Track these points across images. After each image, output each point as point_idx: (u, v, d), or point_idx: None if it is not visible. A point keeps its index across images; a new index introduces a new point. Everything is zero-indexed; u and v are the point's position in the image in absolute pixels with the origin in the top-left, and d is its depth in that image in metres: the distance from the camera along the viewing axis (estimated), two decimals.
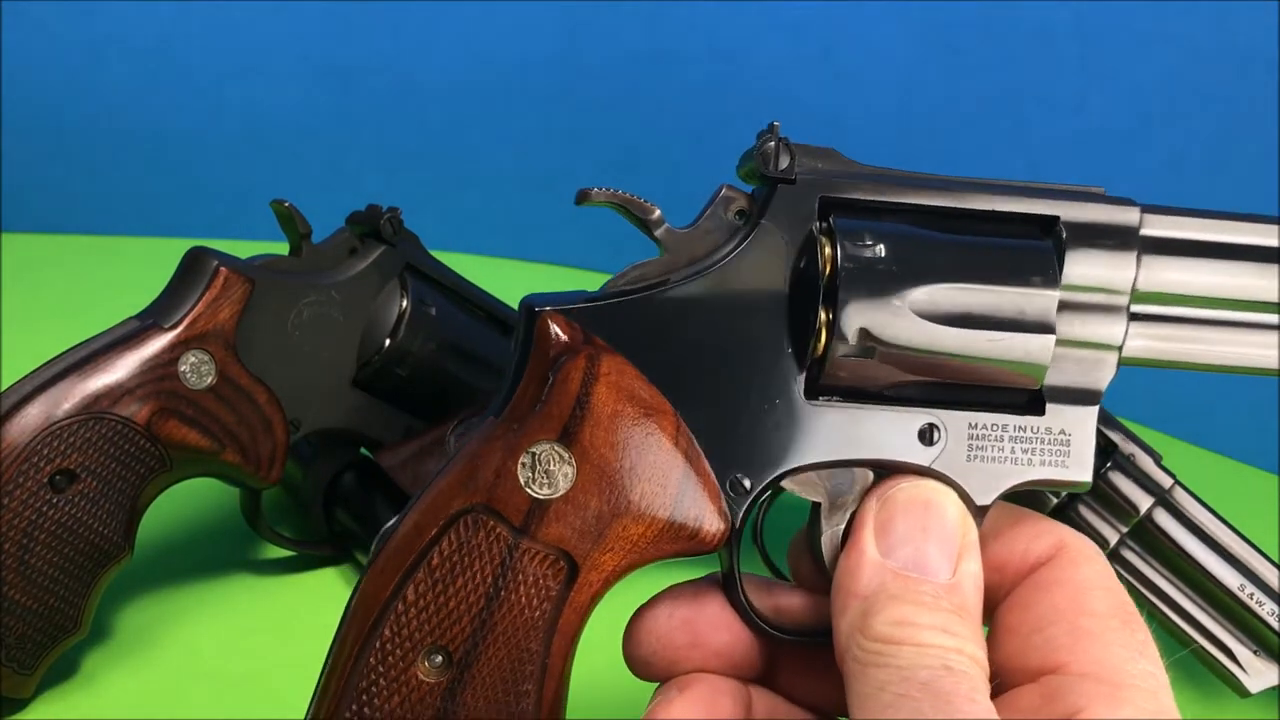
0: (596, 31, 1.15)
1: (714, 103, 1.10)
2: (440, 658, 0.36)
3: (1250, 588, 0.63)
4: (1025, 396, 0.39)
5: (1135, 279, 0.40)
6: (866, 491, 0.39)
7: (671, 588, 0.41)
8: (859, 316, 0.37)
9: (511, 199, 1.22)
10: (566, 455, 0.37)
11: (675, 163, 1.14)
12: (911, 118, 1.07)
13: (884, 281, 0.37)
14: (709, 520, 0.38)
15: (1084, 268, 0.39)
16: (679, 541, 0.37)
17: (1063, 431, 0.39)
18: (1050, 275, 0.38)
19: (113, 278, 1.11)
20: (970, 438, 0.39)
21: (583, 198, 0.40)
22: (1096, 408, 0.40)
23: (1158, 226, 0.40)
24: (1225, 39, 0.94)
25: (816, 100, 1.12)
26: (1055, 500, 0.62)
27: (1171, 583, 0.64)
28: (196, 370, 0.59)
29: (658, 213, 0.40)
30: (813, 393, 0.38)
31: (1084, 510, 0.63)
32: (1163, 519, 0.63)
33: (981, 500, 0.39)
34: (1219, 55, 0.95)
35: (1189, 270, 0.41)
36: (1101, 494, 0.63)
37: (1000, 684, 0.36)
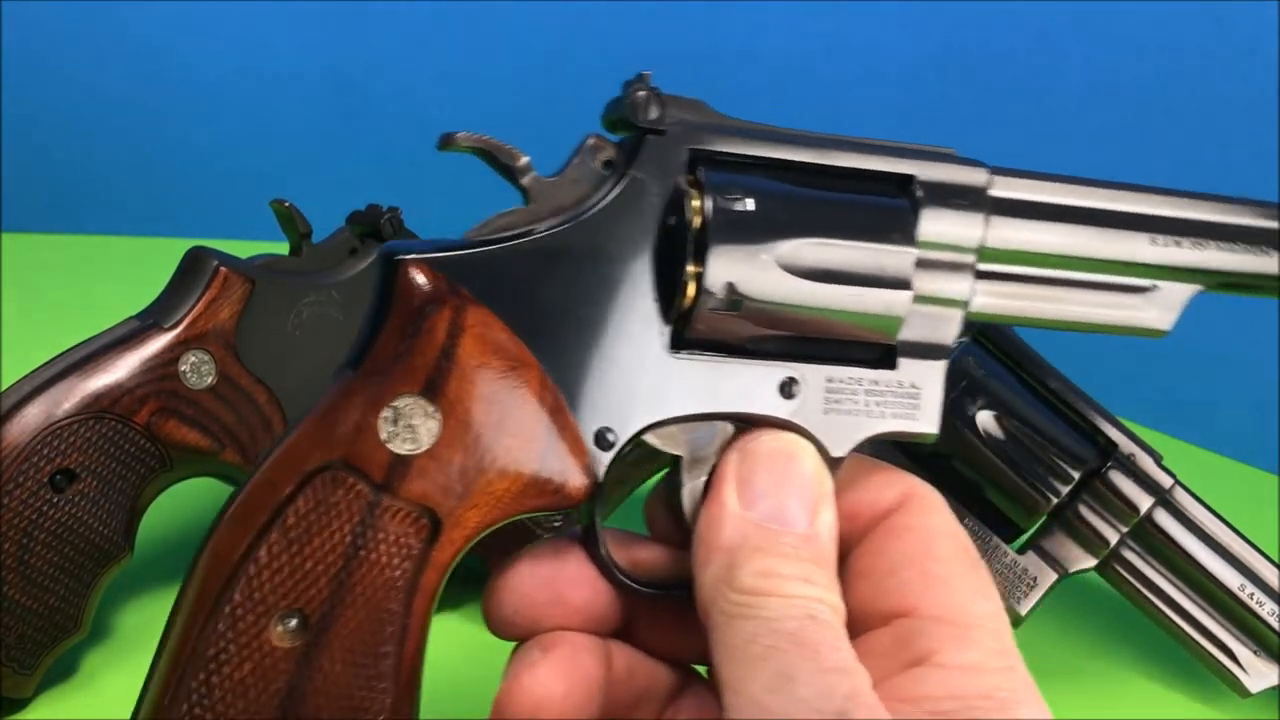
0: (596, 32, 1.15)
1: (714, 103, 1.10)
2: (295, 621, 0.35)
3: (1250, 588, 0.63)
4: (879, 351, 0.40)
5: (983, 238, 0.41)
6: (726, 444, 0.39)
7: (532, 546, 0.40)
8: (726, 270, 0.37)
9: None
10: (431, 409, 0.36)
11: None
12: (911, 118, 1.07)
13: (752, 236, 0.37)
14: (573, 475, 0.37)
15: (937, 225, 0.40)
16: (544, 496, 0.37)
17: (913, 385, 0.40)
18: (908, 233, 0.39)
19: (113, 278, 1.11)
20: (828, 391, 0.39)
21: (446, 142, 0.39)
22: (944, 362, 0.41)
23: (1005, 188, 0.41)
24: (1225, 39, 0.94)
25: (816, 99, 1.12)
26: (1055, 500, 0.62)
27: (1171, 583, 0.64)
28: (196, 370, 0.59)
29: (525, 159, 0.39)
30: (677, 345, 0.38)
31: (1084, 510, 0.63)
32: (1163, 519, 0.63)
33: (837, 452, 0.39)
34: (1219, 55, 0.95)
35: (1034, 231, 0.42)
36: (1101, 494, 0.63)
37: (854, 628, 0.36)
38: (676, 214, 0.38)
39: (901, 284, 0.39)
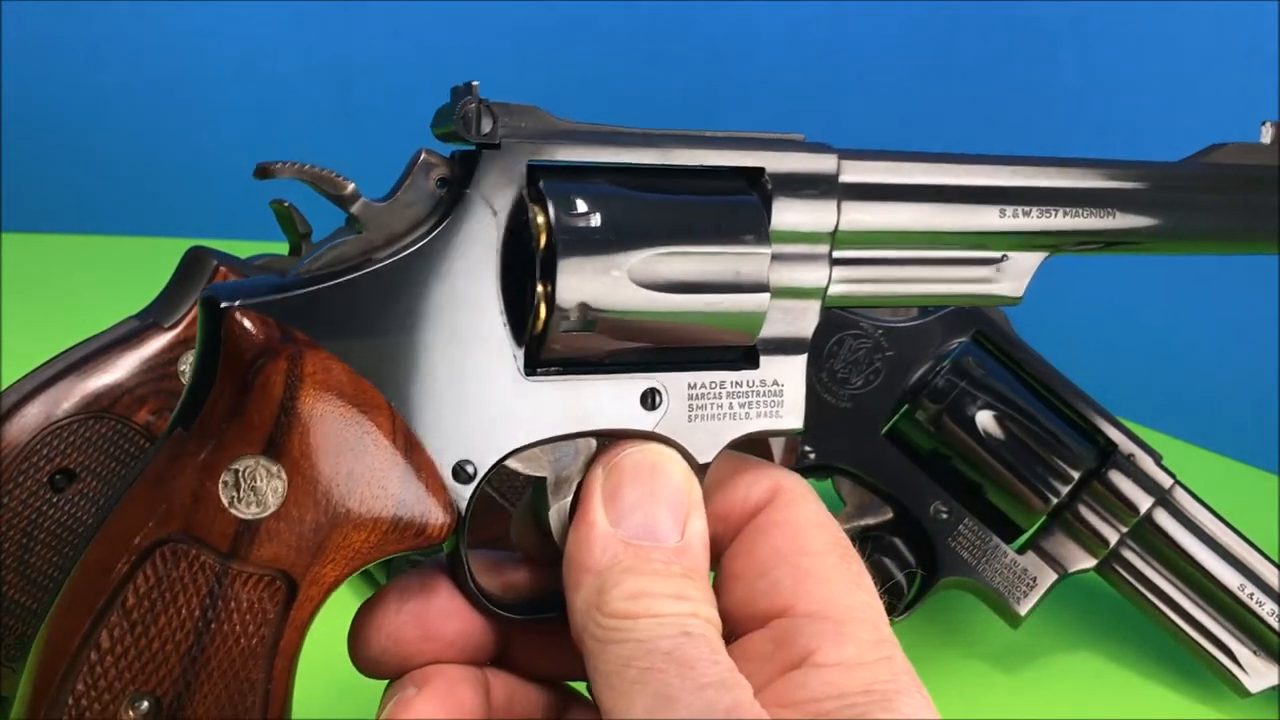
0: (596, 32, 1.15)
1: (714, 103, 1.09)
2: (147, 704, 0.32)
3: (1250, 588, 0.63)
4: (739, 352, 0.39)
5: (836, 224, 0.40)
6: (590, 460, 0.38)
7: (396, 580, 0.39)
8: (578, 289, 0.36)
9: None
10: (274, 469, 0.33)
11: None
12: (912, 117, 1.07)
13: (601, 251, 0.36)
14: (434, 514, 0.35)
15: (789, 217, 0.39)
16: (404, 540, 0.35)
17: (775, 382, 0.40)
18: (762, 232, 0.38)
19: (113, 278, 1.11)
20: (690, 398, 0.38)
21: (263, 172, 0.36)
22: (805, 355, 0.40)
23: (855, 172, 0.41)
24: (1225, 39, 0.94)
25: (815, 98, 1.12)
26: (1055, 500, 0.61)
27: (1171, 583, 0.64)
28: None
29: (351, 187, 0.36)
30: (531, 367, 0.37)
31: (1084, 510, 0.63)
32: (1163, 519, 0.63)
33: (704, 459, 0.39)
34: (1219, 55, 0.95)
35: (885, 212, 0.41)
36: (1101, 494, 0.63)
37: (732, 631, 0.36)
38: (520, 232, 0.36)
39: (759, 286, 0.38)
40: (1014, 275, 0.44)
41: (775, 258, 0.39)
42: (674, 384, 0.38)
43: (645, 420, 0.38)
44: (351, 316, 0.35)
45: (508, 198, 0.37)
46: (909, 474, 0.62)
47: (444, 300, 0.36)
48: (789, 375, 0.40)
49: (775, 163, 0.39)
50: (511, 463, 0.37)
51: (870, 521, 0.64)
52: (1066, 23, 1.08)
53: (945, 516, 0.62)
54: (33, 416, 0.55)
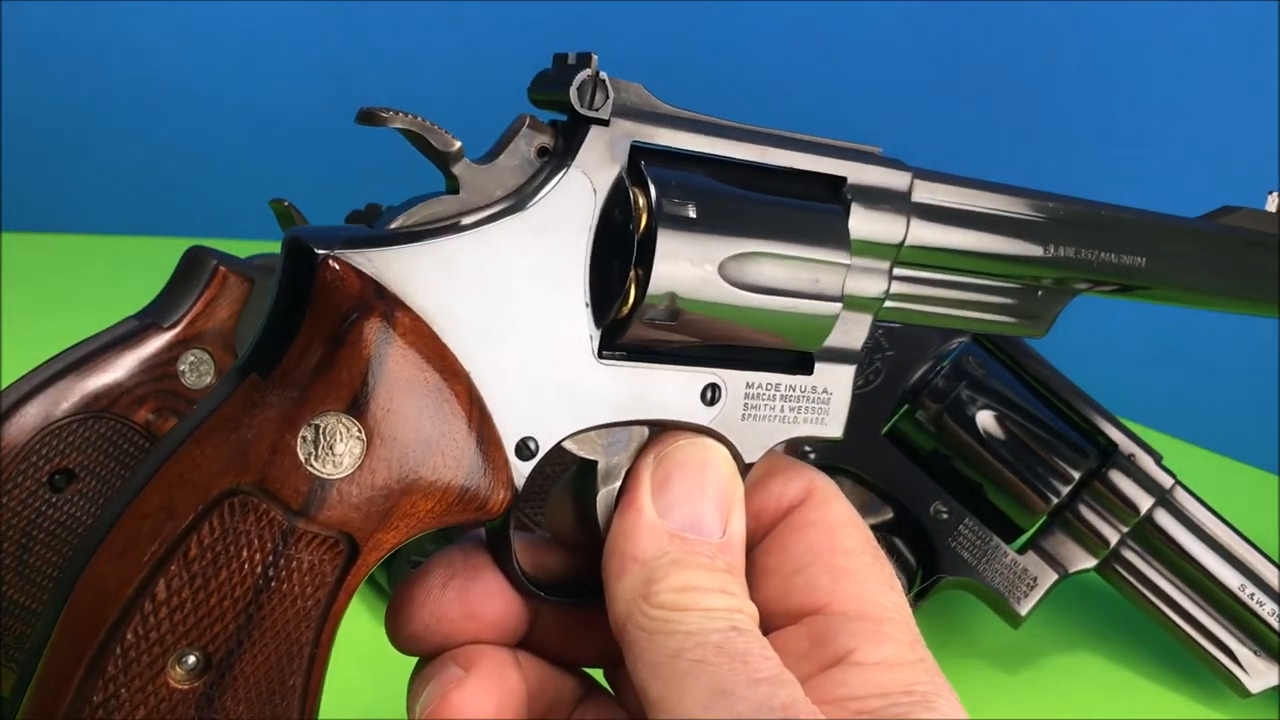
0: (595, 32, 1.15)
1: (714, 103, 1.10)
2: (194, 659, 0.31)
3: (1250, 588, 0.63)
4: (797, 357, 0.40)
5: (904, 240, 0.41)
6: (641, 449, 0.38)
7: (439, 555, 0.39)
8: (671, 277, 0.35)
9: None
10: (355, 428, 0.32)
11: None
12: (912, 117, 1.07)
13: (698, 242, 0.36)
14: (496, 488, 0.35)
15: (864, 228, 0.40)
16: (466, 512, 0.34)
17: (826, 390, 0.40)
18: (843, 244, 0.39)
19: (112, 278, 1.11)
20: (746, 397, 0.39)
21: (368, 117, 0.35)
22: (855, 366, 0.40)
23: (926, 192, 0.41)
24: (1225, 39, 0.94)
25: (815, 99, 1.12)
26: (1056, 500, 0.61)
27: (1172, 583, 0.64)
28: (195, 369, 0.59)
29: (458, 145, 0.35)
30: (605, 350, 0.36)
31: (1084, 510, 0.63)
32: (1163, 519, 0.63)
33: (750, 458, 0.39)
34: (1219, 55, 0.95)
35: (948, 234, 0.42)
36: (1101, 494, 0.63)
37: (763, 627, 0.35)
38: (619, 212, 0.36)
39: (835, 294, 0.38)
40: (1047, 307, 0.45)
41: (851, 269, 0.39)
42: (734, 382, 0.38)
43: (703, 414, 0.38)
44: (440, 278, 0.34)
45: (609, 176, 0.36)
46: (909, 474, 0.62)
47: (530, 272, 0.35)
48: (838, 384, 0.40)
49: (857, 173, 0.40)
50: (568, 443, 0.37)
51: (870, 521, 0.64)
52: (1069, 22, 1.08)
53: (945, 516, 0.62)
54: (32, 416, 0.55)
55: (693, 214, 0.36)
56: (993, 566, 0.62)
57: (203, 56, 1.22)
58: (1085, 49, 1.13)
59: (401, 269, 0.33)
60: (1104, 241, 0.45)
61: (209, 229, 1.23)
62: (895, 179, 0.40)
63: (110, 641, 0.31)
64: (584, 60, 0.35)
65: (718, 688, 0.31)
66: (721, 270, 0.36)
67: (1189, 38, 1.05)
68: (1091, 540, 0.63)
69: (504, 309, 0.35)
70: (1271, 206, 0.53)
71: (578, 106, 0.35)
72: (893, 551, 0.63)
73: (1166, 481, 0.63)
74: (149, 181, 1.26)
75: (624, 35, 1.15)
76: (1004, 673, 0.68)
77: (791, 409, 0.39)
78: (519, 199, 0.35)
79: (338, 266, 0.33)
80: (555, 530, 0.41)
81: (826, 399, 0.40)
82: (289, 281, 0.33)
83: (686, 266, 0.36)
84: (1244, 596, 0.63)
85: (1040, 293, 0.45)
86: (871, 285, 0.41)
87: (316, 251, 0.33)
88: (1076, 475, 0.62)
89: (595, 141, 0.36)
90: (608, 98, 0.35)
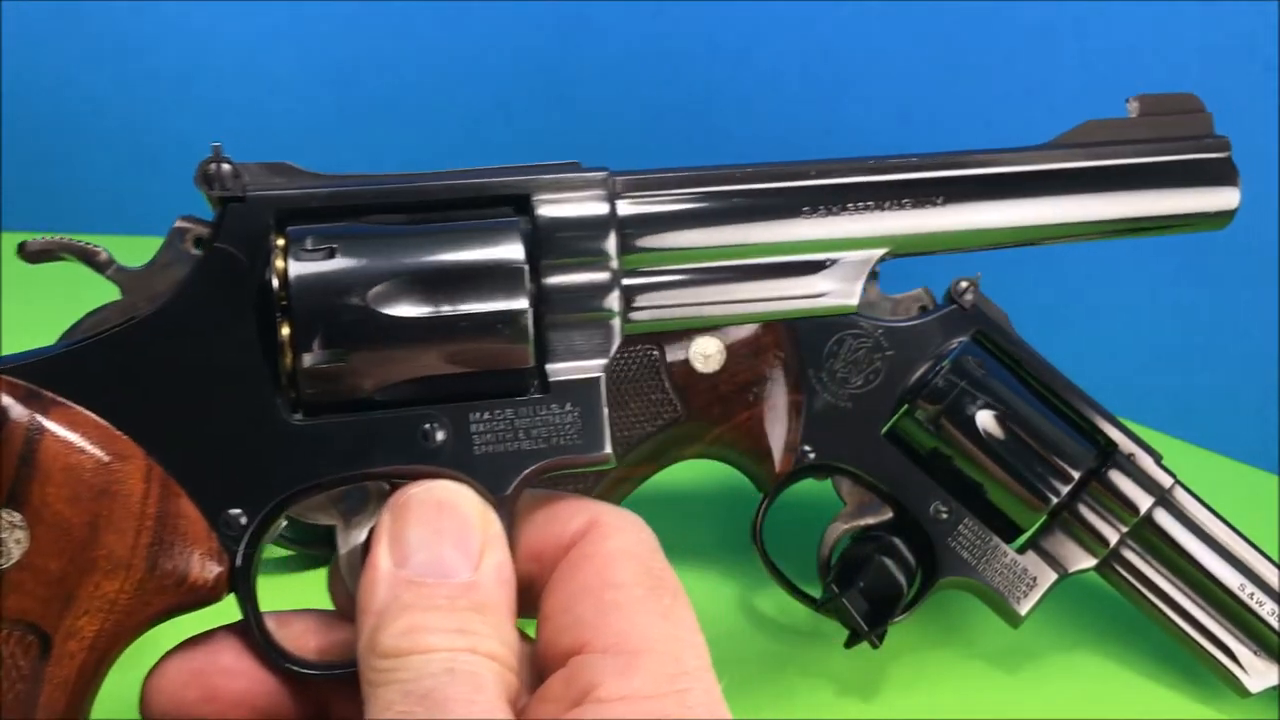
0: (595, 31, 1.15)
1: (715, 103, 1.10)
2: None
3: (1250, 588, 0.63)
4: (525, 378, 0.38)
5: (616, 249, 0.39)
6: (382, 505, 0.37)
7: (185, 641, 0.38)
8: (316, 324, 0.36)
9: None
10: (16, 519, 0.34)
11: (675, 163, 1.14)
12: (911, 117, 1.07)
13: (337, 283, 0.36)
14: (199, 565, 0.35)
15: (560, 234, 0.38)
16: (170, 593, 0.35)
17: (570, 407, 0.38)
18: (513, 243, 0.38)
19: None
20: (475, 428, 0.37)
21: (23, 252, 0.39)
22: (601, 377, 0.38)
23: (632, 205, 0.40)
24: (1225, 39, 0.94)
25: (815, 100, 1.11)
26: (1055, 500, 0.61)
27: (1172, 583, 0.64)
28: None
29: (105, 254, 0.39)
30: (299, 411, 0.36)
31: (1084, 510, 0.63)
32: (1163, 519, 0.63)
33: (500, 491, 0.37)
34: (1219, 55, 0.95)
35: (672, 238, 0.40)
36: (1101, 494, 0.63)
37: (542, 672, 0.35)
38: (268, 274, 0.37)
39: (514, 296, 0.37)
40: (842, 278, 0.41)
41: (550, 281, 0.38)
42: (455, 416, 0.37)
43: (429, 456, 0.37)
44: (110, 373, 0.36)
45: (257, 246, 0.37)
46: (909, 474, 0.62)
47: (203, 350, 0.36)
48: (585, 400, 0.38)
49: (543, 191, 0.39)
50: (293, 510, 0.37)
51: (870, 521, 0.64)
52: (1069, 23, 1.08)
53: (945, 516, 0.62)
54: None
55: (328, 256, 0.36)
56: (992, 566, 0.62)
57: (202, 56, 1.22)
58: (1086, 48, 1.14)
59: (63, 373, 0.36)
60: (884, 191, 0.41)
61: None
62: (592, 189, 0.39)
63: None
64: (213, 150, 0.38)
65: None
66: (375, 303, 0.36)
67: (1189, 37, 1.05)
68: (1091, 540, 0.63)
69: (182, 389, 0.36)
70: (1134, 113, 0.49)
71: (206, 190, 0.38)
72: (893, 551, 0.63)
73: (1166, 481, 0.63)
74: (149, 181, 1.26)
75: (624, 35, 1.15)
76: (1004, 673, 0.68)
77: (534, 433, 0.37)
78: (181, 288, 0.37)
79: None
80: (339, 605, 0.40)
81: (575, 417, 0.38)
82: None
83: (331, 307, 0.36)
84: (1244, 596, 0.63)
85: (829, 262, 0.41)
86: (595, 299, 0.39)
87: None
88: (1076, 475, 0.62)
89: (237, 218, 0.37)
90: (237, 176, 0.37)
